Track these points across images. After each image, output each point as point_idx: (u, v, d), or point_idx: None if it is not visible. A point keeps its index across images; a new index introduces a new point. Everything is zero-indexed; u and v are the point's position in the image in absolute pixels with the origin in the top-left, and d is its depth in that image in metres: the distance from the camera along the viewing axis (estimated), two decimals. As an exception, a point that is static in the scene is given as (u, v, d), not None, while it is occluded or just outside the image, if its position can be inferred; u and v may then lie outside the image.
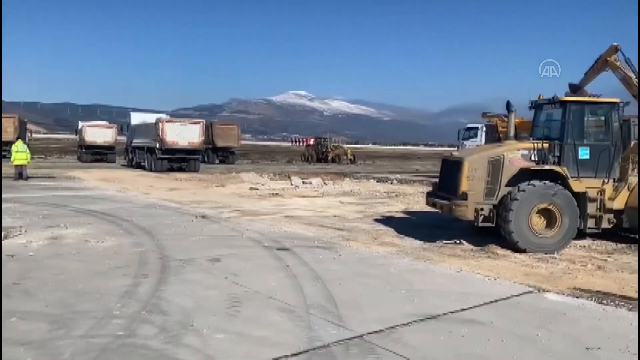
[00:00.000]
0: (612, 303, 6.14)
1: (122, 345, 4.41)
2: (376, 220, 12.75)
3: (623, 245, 10.28)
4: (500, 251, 9.27)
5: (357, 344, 4.57)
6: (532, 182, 9.45)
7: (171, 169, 29.99)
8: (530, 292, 6.45)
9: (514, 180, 9.67)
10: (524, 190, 9.33)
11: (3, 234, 8.81)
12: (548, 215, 9.53)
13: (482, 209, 9.57)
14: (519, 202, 9.26)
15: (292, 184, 22.14)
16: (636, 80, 13.50)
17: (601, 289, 6.87)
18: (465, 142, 28.16)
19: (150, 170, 29.82)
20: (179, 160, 30.45)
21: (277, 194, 18.59)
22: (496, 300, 5.97)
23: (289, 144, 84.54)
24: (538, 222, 9.50)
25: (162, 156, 29.49)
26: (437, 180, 11.80)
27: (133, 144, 34.74)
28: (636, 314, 5.74)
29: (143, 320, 5.03)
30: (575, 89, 12.94)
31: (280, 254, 8.28)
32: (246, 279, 6.68)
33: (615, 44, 13.05)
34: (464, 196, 9.55)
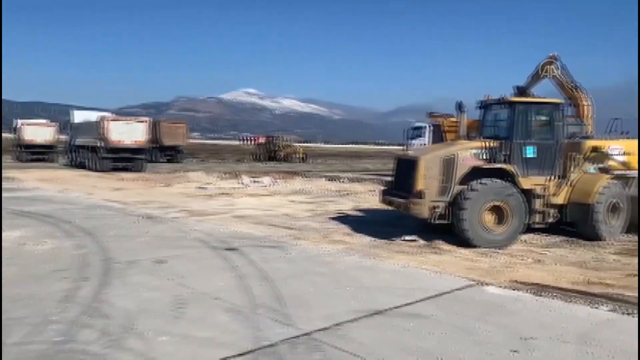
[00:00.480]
0: (548, 294, 6.42)
1: (60, 351, 4.26)
2: (326, 218, 12.82)
3: (559, 239, 10.77)
4: (446, 247, 9.53)
5: (303, 341, 4.59)
6: (483, 180, 9.76)
7: (116, 169, 29.08)
8: (472, 285, 6.67)
9: (467, 179, 9.98)
10: (475, 189, 9.64)
11: None
12: (498, 212, 9.86)
13: (437, 207, 9.80)
14: (472, 200, 9.55)
15: (241, 183, 21.96)
16: (570, 85, 14.33)
17: (538, 282, 7.18)
18: (412, 142, 28.70)
19: (94, 170, 28.85)
20: (123, 160, 29.59)
21: (226, 193, 18.38)
22: (439, 294, 6.14)
23: (239, 142, 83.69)
24: (489, 219, 9.82)
25: (106, 155, 28.59)
26: (391, 178, 12.03)
27: (75, 143, 33.50)
28: (569, 303, 6.04)
29: (83, 325, 4.87)
30: (521, 90, 13.53)
31: (227, 254, 8.19)
32: (192, 280, 6.59)
33: (552, 54, 13.82)
34: (420, 194, 9.77)
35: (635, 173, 12.30)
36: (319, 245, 9.31)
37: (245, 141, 66.63)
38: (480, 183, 9.70)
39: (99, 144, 28.40)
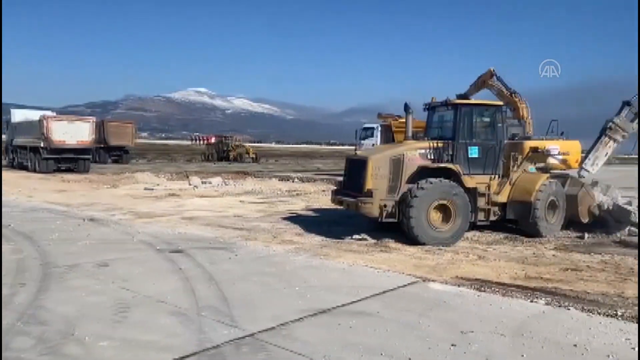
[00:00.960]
0: (488, 289, 6.66)
1: (-9, 360, 4.08)
2: (277, 218, 12.81)
3: (501, 236, 11.18)
4: (393, 245, 9.72)
5: (248, 342, 4.58)
6: (430, 179, 10.00)
7: (58, 170, 28.01)
8: (416, 282, 6.83)
9: (414, 178, 10.23)
10: (422, 188, 9.86)
11: None
12: (444, 211, 10.13)
13: (386, 205, 10.00)
14: (419, 198, 9.78)
15: (190, 184, 21.59)
16: (508, 92, 15.09)
17: (481, 277, 7.44)
18: (362, 142, 29.06)
19: (35, 171, 27.68)
20: (67, 161, 28.52)
21: (174, 194, 18.05)
22: (384, 292, 6.25)
23: (190, 142, 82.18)
24: (436, 217, 10.08)
25: (48, 156, 27.46)
26: (342, 178, 12.17)
27: (14, 143, 32.01)
28: (508, 297, 6.29)
29: (18, 332, 4.68)
30: (462, 97, 14.04)
31: (173, 257, 8.05)
32: (135, 283, 6.44)
33: (491, 68, 14.55)
34: (370, 194, 9.95)
35: (571, 172, 12.93)
36: (269, 245, 9.29)
37: (196, 141, 65.40)
38: (427, 182, 9.94)
39: (41, 144, 27.27)
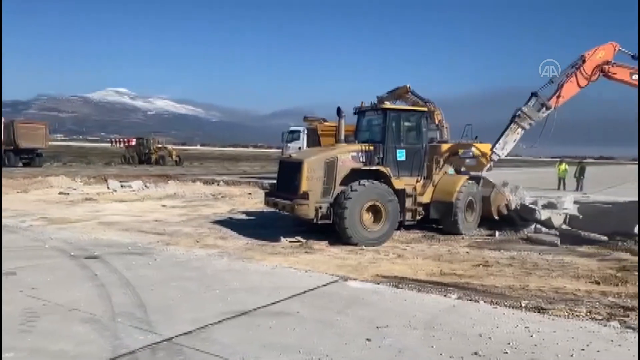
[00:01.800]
0: (405, 286, 6.94)
1: None
2: (200, 222, 12.60)
3: (420, 235, 11.68)
4: (317, 246, 9.87)
5: (165, 347, 4.51)
6: (362, 181, 10.28)
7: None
8: (336, 281, 6.99)
9: (347, 180, 10.48)
10: (356, 190, 10.11)
11: None
12: (375, 212, 10.44)
13: (321, 207, 10.17)
14: (352, 200, 10.02)
15: (109, 188, 20.73)
16: (422, 102, 15.95)
17: (398, 275, 7.74)
18: (289, 144, 29.20)
19: None
20: (-31, 164, 26.49)
21: (91, 199, 17.25)
22: (305, 292, 6.35)
23: (109, 144, 78.71)
24: (367, 217, 10.36)
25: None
26: (274, 181, 12.21)
27: None
28: (423, 293, 6.58)
29: None
30: (380, 100, 14.52)
31: (88, 263, 7.72)
32: (46, 291, 6.13)
33: (407, 85, 15.34)
34: (305, 196, 10.07)
35: (484, 174, 13.75)
36: (191, 250, 9.14)
37: (115, 143, 62.74)
38: (360, 184, 10.22)
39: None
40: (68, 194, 18.46)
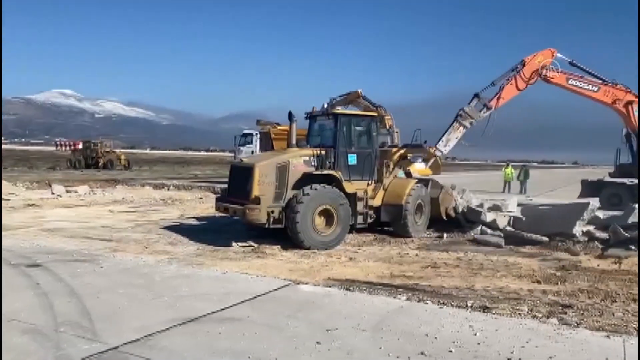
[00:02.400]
0: (356, 289, 7.03)
1: None
2: (149, 228, 12.35)
3: (371, 237, 11.84)
4: (269, 250, 9.85)
5: (110, 356, 4.40)
6: (314, 185, 10.31)
7: None
8: (287, 285, 6.99)
9: (299, 184, 10.49)
10: (308, 194, 10.12)
11: None
12: (327, 216, 10.50)
13: (273, 212, 10.14)
14: (304, 204, 10.02)
15: (53, 193, 19.98)
16: (373, 107, 16.36)
17: (350, 277, 7.84)
18: (241, 148, 29.01)
19: None
20: None
21: (34, 204, 16.58)
22: (256, 297, 6.32)
23: (54, 148, 75.72)
24: (319, 221, 10.40)
25: None
26: (226, 186, 12.11)
27: None
28: (373, 295, 6.69)
29: None
30: (331, 101, 14.67)
31: (30, 271, 7.42)
32: (-18, 302, 5.85)
33: (359, 90, 15.76)
34: (257, 200, 10.01)
35: (434, 176, 14.13)
36: (139, 256, 8.93)
37: (61, 147, 60.42)
38: (312, 188, 10.25)
39: None
40: (9, 199, 17.65)
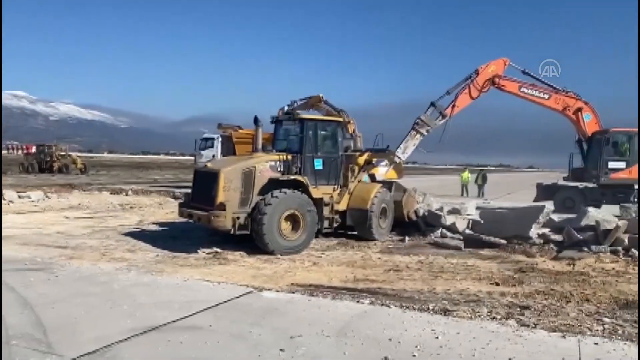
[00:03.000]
0: (320, 294, 7.02)
1: None
2: (107, 235, 12.02)
3: (335, 242, 11.88)
4: (231, 256, 9.74)
5: (66, 369, 4.25)
6: (281, 190, 10.25)
7: None
8: (250, 292, 6.91)
9: (265, 190, 10.40)
10: (275, 198, 10.05)
11: None
12: (293, 220, 10.45)
13: (238, 218, 10.00)
14: (271, 207, 9.95)
15: (5, 199, 19.18)
16: (335, 112, 16.58)
17: (313, 282, 7.83)
18: (202, 152, 28.64)
19: None
20: None
21: (-17, 211, 15.88)
22: (218, 304, 6.22)
23: (5, 152, 73.05)
24: (285, 226, 10.34)
25: None
26: (189, 191, 11.89)
27: None
28: (336, 300, 6.69)
29: None
30: (293, 108, 14.72)
31: (-22, 282, 7.10)
32: None
33: (320, 95, 15.98)
34: (222, 207, 9.85)
35: (397, 180, 14.33)
36: (96, 264, 8.68)
37: (13, 150, 58.28)
38: (278, 193, 10.18)
39: None
40: (-45, 206, 16.86)
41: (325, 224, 11.43)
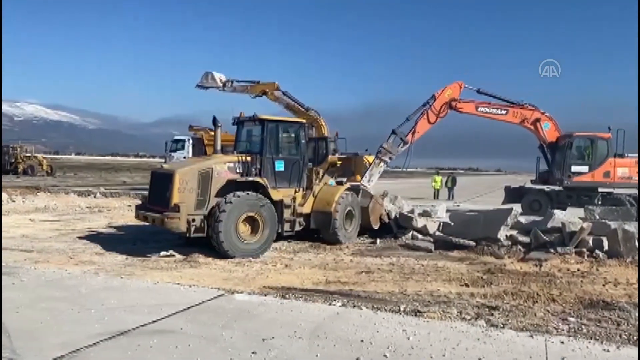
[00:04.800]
0: (292, 296, 7.01)
1: None
2: (74, 238, 11.79)
3: (307, 244, 11.86)
4: (202, 259, 9.62)
5: (31, 376, 4.14)
6: (237, 193, 10.10)
7: None
8: (222, 295, 6.85)
9: (222, 191, 10.23)
10: (230, 202, 9.91)
11: None
12: (252, 223, 10.33)
13: (194, 220, 9.84)
14: (227, 212, 9.80)
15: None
16: (300, 108, 16.67)
17: (285, 285, 7.81)
18: (173, 154, 28.33)
19: None
20: None
21: (-58, 214, 15.35)
22: (188, 308, 6.15)
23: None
24: (244, 229, 10.21)
25: None
26: (146, 193, 11.66)
27: None
28: (309, 302, 6.69)
29: None
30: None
31: (-62, 287, 6.85)
32: None
33: (276, 83, 16.09)
34: (176, 208, 9.66)
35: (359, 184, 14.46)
36: (63, 268, 8.48)
37: (-26, 152, 56.46)
38: (235, 196, 10.07)
39: None
40: None
41: (286, 226, 11.25)
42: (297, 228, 11.66)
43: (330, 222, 11.80)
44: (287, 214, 11.26)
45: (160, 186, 10.53)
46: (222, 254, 9.85)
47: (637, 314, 6.42)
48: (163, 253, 10.01)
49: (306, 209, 11.85)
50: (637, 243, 10.14)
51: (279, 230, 10.99)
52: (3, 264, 8.58)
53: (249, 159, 10.94)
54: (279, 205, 10.95)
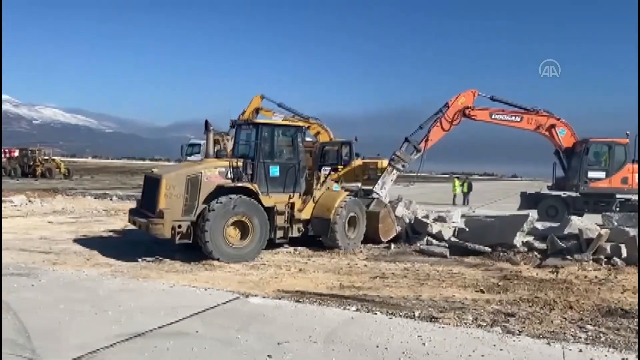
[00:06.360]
0: (306, 300, 7.02)
1: None
2: (91, 240, 11.90)
3: (320, 249, 11.82)
4: (217, 262, 9.64)
5: (50, 375, 4.20)
6: (222, 197, 9.85)
7: None
8: (237, 298, 6.89)
9: (212, 197, 9.97)
10: (213, 210, 9.67)
11: None
12: (242, 227, 10.10)
13: (179, 226, 9.63)
14: (213, 218, 9.59)
15: (-15, 204, 18.91)
16: (301, 118, 16.80)
17: (300, 289, 7.81)
18: (189, 158, 28.50)
19: None
20: None
21: (-36, 216, 15.63)
22: (204, 310, 6.20)
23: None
24: (233, 234, 10.00)
25: None
26: (139, 197, 11.56)
27: None
28: (323, 306, 6.70)
29: None
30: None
31: (-40, 287, 6.98)
32: None
33: (259, 95, 16.24)
34: (161, 214, 9.49)
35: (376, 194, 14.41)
36: (80, 269, 8.60)
37: (-5, 154, 57.43)
38: (224, 199, 9.82)
39: None
40: None
41: (279, 233, 10.90)
42: (293, 235, 11.29)
43: (328, 229, 11.46)
44: (280, 220, 10.87)
45: (149, 191, 10.39)
46: (210, 258, 9.64)
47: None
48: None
49: (306, 214, 11.49)
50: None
51: (272, 237, 10.66)
52: (23, 265, 8.74)
53: (240, 163, 10.56)
54: (270, 211, 10.60)
